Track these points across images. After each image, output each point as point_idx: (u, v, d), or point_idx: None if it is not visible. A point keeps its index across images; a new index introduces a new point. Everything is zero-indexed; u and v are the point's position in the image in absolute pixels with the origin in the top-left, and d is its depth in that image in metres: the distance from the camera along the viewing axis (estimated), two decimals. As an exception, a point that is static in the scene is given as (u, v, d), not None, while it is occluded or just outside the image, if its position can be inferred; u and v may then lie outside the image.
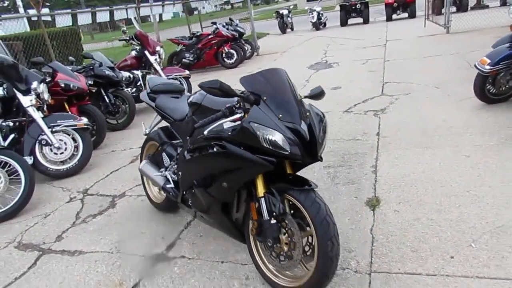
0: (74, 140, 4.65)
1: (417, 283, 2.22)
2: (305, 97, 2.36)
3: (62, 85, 5.10)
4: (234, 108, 2.19)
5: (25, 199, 3.82)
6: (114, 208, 3.70)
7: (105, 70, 5.99)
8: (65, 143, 4.58)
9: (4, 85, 4.57)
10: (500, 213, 2.71)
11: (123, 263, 2.83)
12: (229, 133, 2.13)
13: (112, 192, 4.02)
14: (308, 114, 2.16)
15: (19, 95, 4.43)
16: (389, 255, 2.48)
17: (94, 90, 5.89)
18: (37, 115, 4.44)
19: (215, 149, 2.23)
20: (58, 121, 4.55)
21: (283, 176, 2.20)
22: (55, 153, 4.53)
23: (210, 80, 2.08)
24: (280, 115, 2.05)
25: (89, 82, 5.81)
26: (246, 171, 2.16)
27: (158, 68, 6.86)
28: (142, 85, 6.77)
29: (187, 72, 7.15)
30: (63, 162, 4.60)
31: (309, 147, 2.06)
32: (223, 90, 2.08)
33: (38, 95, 4.50)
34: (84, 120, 4.70)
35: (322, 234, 1.99)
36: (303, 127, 2.04)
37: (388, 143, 4.16)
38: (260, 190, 2.17)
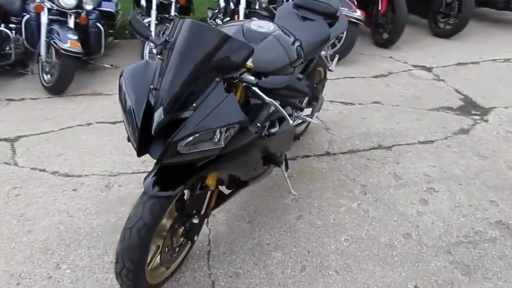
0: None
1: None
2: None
3: None
4: None
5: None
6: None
7: None
8: None
9: None
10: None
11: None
12: None
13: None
14: (195, 104, 1.42)
15: None
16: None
17: None
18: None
19: None
20: None
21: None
22: None
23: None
24: (152, 86, 1.47)
25: None
26: None
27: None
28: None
29: None
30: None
31: (155, 143, 1.45)
32: (131, 26, 1.71)
33: None
34: None
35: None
36: (157, 115, 1.38)
37: None
38: None
